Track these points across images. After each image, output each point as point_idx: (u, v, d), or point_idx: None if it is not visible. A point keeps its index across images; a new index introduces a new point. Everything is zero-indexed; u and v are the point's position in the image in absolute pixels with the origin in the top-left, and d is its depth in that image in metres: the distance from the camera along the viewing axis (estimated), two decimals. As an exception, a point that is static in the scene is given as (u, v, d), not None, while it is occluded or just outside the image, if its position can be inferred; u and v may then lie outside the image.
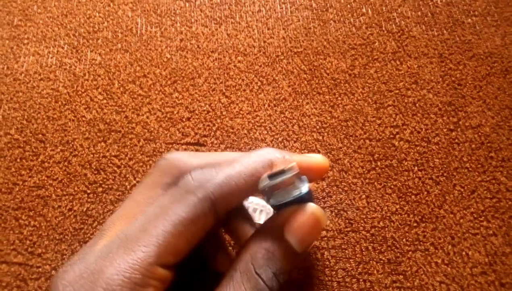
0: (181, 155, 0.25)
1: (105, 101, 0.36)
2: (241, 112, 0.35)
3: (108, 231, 0.22)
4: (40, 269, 0.30)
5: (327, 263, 0.30)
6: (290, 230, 0.21)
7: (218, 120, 0.35)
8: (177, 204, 0.20)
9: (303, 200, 0.22)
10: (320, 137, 0.34)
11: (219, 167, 0.22)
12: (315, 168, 0.24)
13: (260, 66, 0.37)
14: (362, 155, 0.33)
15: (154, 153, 0.34)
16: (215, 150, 0.34)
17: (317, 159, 0.24)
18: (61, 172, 0.33)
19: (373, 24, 0.39)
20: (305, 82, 0.37)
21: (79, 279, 0.19)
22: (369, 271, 0.30)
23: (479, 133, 0.34)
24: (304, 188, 0.22)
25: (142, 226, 0.20)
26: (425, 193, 0.32)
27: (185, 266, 0.22)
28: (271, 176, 0.21)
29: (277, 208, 0.22)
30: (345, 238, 0.31)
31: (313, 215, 0.22)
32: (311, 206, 0.22)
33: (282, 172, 0.21)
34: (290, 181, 0.21)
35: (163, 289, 0.20)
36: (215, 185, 0.21)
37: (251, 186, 0.22)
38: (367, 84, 0.36)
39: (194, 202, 0.20)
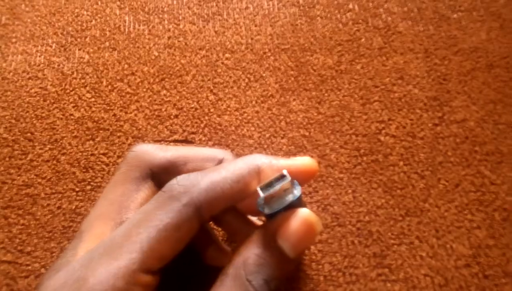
0: (149, 148, 0.25)
1: (93, 99, 0.36)
2: (228, 109, 0.36)
3: (87, 234, 0.22)
4: (29, 267, 0.30)
5: (314, 257, 0.30)
6: (283, 235, 0.21)
7: (206, 117, 0.35)
8: (161, 210, 0.20)
9: (294, 205, 0.22)
10: (307, 133, 0.34)
11: (205, 172, 0.22)
12: (304, 172, 0.24)
13: (248, 63, 0.38)
14: (348, 150, 0.34)
15: (142, 150, 0.34)
16: (203, 147, 0.34)
17: (305, 162, 0.24)
18: (49, 171, 0.34)
19: (360, 20, 0.40)
20: (292, 78, 0.37)
21: (62, 287, 0.19)
22: (355, 265, 0.30)
23: (464, 128, 0.35)
24: (297, 191, 0.22)
25: (125, 232, 0.20)
26: (410, 187, 0.32)
27: (178, 260, 0.22)
28: (263, 188, 0.21)
29: (270, 216, 0.22)
30: (331, 232, 0.31)
31: (306, 220, 0.22)
32: (304, 211, 0.22)
33: (273, 181, 0.21)
34: (284, 189, 0.21)
35: None
36: (200, 190, 0.21)
37: (237, 192, 0.22)
38: (353, 80, 0.37)
39: (178, 207, 0.20)
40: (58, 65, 0.38)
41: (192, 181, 0.21)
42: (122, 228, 0.21)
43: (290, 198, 0.22)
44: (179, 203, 0.20)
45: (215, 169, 0.22)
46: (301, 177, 0.23)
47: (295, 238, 0.21)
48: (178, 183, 0.21)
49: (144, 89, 0.37)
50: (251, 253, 0.21)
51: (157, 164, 0.24)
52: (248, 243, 0.22)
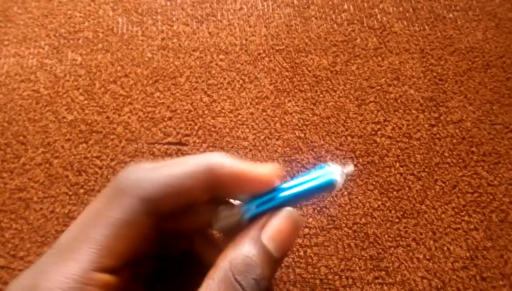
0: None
1: (86, 102, 0.36)
2: (223, 111, 0.35)
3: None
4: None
5: (310, 260, 0.30)
6: (269, 236, 0.21)
7: (200, 119, 0.35)
8: (110, 206, 0.20)
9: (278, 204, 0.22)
10: (302, 135, 0.34)
11: (158, 166, 0.21)
12: (258, 180, 0.23)
13: (242, 64, 0.37)
14: (344, 152, 0.34)
15: (136, 153, 0.34)
16: (198, 149, 0.34)
17: (263, 171, 0.23)
18: (42, 174, 0.33)
19: (355, 21, 0.39)
20: (287, 79, 0.37)
21: None
22: (352, 268, 0.30)
23: (460, 128, 0.34)
24: (249, 213, 0.22)
25: (76, 233, 0.20)
26: (407, 188, 0.32)
27: (174, 259, 0.22)
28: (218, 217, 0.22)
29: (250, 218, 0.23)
30: (327, 235, 0.31)
31: (290, 219, 0.22)
32: (288, 210, 0.22)
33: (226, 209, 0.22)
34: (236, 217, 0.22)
35: None
36: (153, 184, 0.20)
37: (192, 188, 0.21)
38: (348, 81, 0.36)
39: (128, 202, 0.20)
40: (51, 68, 0.38)
41: (143, 174, 0.21)
42: (72, 229, 0.20)
43: (236, 219, 0.22)
44: (129, 198, 0.20)
45: (169, 163, 0.22)
46: (253, 185, 0.23)
47: (281, 238, 0.21)
48: (127, 176, 0.21)
49: (138, 92, 0.36)
50: (238, 254, 0.21)
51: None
52: (233, 246, 0.21)
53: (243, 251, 0.21)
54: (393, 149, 0.34)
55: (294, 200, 0.22)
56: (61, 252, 0.19)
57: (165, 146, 0.34)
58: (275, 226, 0.21)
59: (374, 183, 0.32)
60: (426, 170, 0.33)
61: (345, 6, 0.40)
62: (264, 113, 0.35)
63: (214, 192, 0.22)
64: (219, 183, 0.22)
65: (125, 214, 0.20)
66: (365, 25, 0.39)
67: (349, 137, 0.34)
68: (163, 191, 0.20)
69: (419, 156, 0.33)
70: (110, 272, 0.19)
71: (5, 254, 0.31)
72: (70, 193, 0.32)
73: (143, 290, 0.24)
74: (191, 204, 0.22)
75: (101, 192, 0.21)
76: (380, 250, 0.30)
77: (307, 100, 0.36)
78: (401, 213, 0.31)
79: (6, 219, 0.32)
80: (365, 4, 0.40)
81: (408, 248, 0.30)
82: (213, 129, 0.35)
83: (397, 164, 0.33)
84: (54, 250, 0.20)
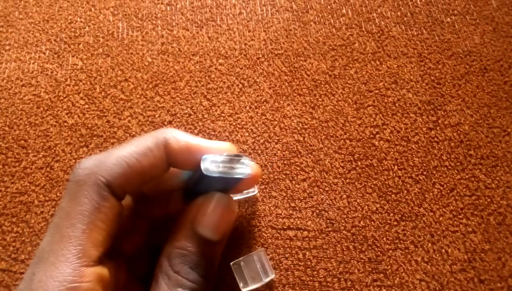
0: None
1: (86, 106, 0.36)
2: (222, 114, 0.36)
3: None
4: (23, 275, 0.30)
5: (309, 263, 0.30)
6: (200, 222, 0.22)
7: (200, 123, 0.35)
8: (74, 201, 0.20)
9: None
10: (301, 139, 0.34)
11: (110, 151, 0.22)
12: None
13: (241, 68, 0.38)
14: (342, 155, 0.34)
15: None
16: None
17: (222, 147, 0.25)
18: (43, 178, 0.34)
19: (353, 25, 0.40)
20: (286, 83, 0.37)
21: None
22: (350, 270, 0.30)
23: (458, 132, 0.35)
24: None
25: (55, 237, 0.20)
26: (405, 191, 0.32)
27: None
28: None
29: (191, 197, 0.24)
30: (326, 238, 0.31)
31: (218, 202, 0.23)
32: (214, 195, 0.23)
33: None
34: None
35: (105, 283, 0.20)
36: (106, 168, 0.21)
37: (147, 166, 0.22)
38: (347, 84, 0.37)
39: (88, 192, 0.20)
40: (52, 72, 0.38)
41: (95, 161, 0.21)
42: (49, 234, 0.21)
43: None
44: (88, 187, 0.20)
45: (122, 145, 0.22)
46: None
47: (212, 222, 0.22)
48: (81, 166, 0.21)
49: (138, 96, 0.37)
50: (172, 247, 0.22)
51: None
52: (168, 240, 0.23)
53: (176, 244, 0.22)
54: (392, 152, 0.34)
55: (221, 185, 0.23)
56: (46, 259, 0.19)
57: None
58: (206, 211, 0.23)
59: (372, 186, 0.33)
60: (424, 173, 0.33)
61: (344, 11, 0.40)
62: (263, 117, 0.35)
63: (169, 164, 0.23)
64: (173, 155, 0.23)
65: (89, 204, 0.20)
66: (363, 29, 0.39)
67: (347, 141, 0.34)
68: (121, 173, 0.21)
69: (417, 159, 0.34)
70: (99, 263, 0.20)
71: (6, 257, 0.31)
72: (71, 197, 0.33)
73: (141, 287, 0.25)
74: (154, 178, 0.23)
75: (64, 190, 0.22)
76: (379, 252, 0.30)
77: (306, 104, 0.36)
78: (400, 215, 0.32)
79: (7, 222, 0.32)
80: (364, 9, 0.40)
81: (407, 250, 0.30)
82: (213, 133, 0.35)
83: (396, 167, 0.33)
84: (38, 259, 0.20)
